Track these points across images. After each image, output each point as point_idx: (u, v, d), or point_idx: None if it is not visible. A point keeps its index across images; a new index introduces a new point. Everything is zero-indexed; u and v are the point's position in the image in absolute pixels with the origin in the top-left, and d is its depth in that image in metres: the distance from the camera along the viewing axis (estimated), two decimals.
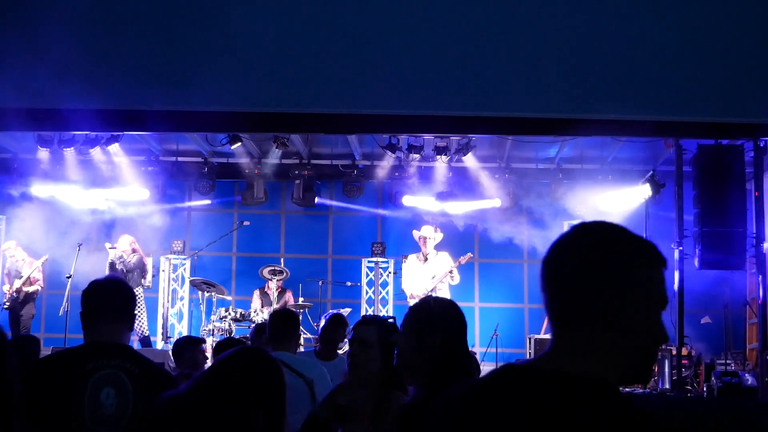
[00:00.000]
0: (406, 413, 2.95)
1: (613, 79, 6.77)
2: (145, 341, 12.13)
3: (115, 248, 12.37)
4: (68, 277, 11.75)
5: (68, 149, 12.72)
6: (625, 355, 1.64)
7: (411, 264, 12.21)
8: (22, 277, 12.69)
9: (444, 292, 11.62)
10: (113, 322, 3.38)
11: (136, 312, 3.57)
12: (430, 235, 12.09)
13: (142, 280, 12.67)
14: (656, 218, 12.48)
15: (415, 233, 12.31)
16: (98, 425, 3.17)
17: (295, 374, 4.67)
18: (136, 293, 12.39)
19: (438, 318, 3.02)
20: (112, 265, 12.21)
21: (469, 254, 12.04)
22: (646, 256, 1.69)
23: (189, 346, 6.54)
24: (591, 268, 1.64)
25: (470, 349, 7.42)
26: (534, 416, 1.55)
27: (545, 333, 12.97)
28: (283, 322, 5.29)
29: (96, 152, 12.87)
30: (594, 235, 1.70)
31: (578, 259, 1.66)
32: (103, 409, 3.18)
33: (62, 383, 3.19)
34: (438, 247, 12.23)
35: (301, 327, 12.23)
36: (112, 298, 3.44)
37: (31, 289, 12.69)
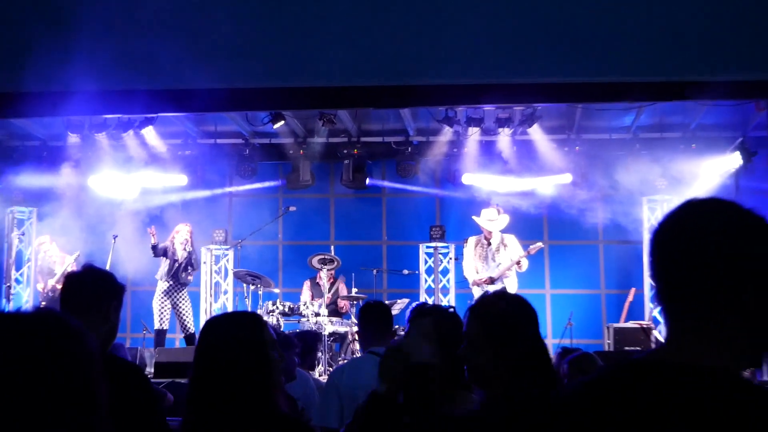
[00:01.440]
0: (474, 423, 2.90)
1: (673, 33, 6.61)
2: (190, 339, 12.29)
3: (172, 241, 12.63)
4: None
5: (100, 134, 12.91)
6: (755, 344, 1.64)
7: (472, 249, 11.99)
8: (55, 274, 12.93)
9: (512, 280, 11.52)
10: (80, 315, 3.41)
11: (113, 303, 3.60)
12: (493, 218, 11.86)
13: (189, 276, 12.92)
14: (748, 191, 12.23)
15: (476, 219, 12.06)
16: None
17: None
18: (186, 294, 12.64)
19: (512, 320, 2.93)
20: (174, 263, 12.48)
21: (539, 243, 11.78)
22: None
23: None
24: (726, 250, 1.63)
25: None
26: (676, 417, 1.54)
27: (625, 321, 12.83)
28: (378, 317, 5.23)
29: (129, 137, 13.04)
30: (724, 214, 1.69)
31: (710, 242, 1.64)
32: None
33: None
34: (504, 230, 12.01)
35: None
36: (82, 288, 3.55)
37: None
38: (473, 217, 12.12)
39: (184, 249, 12.54)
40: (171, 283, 12.48)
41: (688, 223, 1.69)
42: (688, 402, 1.54)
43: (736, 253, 1.62)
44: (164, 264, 12.53)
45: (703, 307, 1.63)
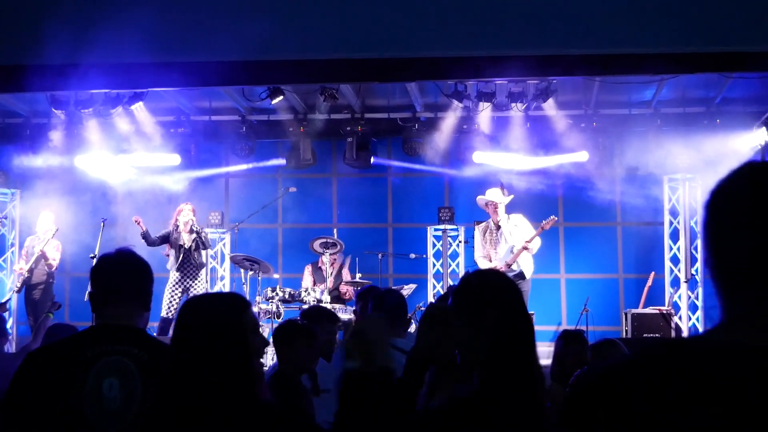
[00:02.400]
0: (458, 408, 2.96)
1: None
2: (165, 324, 12.24)
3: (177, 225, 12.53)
4: (92, 257, 11.79)
5: (86, 110, 12.87)
6: None
7: (480, 236, 11.94)
8: (34, 254, 12.78)
9: (527, 263, 11.51)
10: (123, 302, 3.39)
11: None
12: (498, 199, 11.74)
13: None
14: None
15: (480, 199, 11.95)
16: (100, 421, 3.15)
17: None
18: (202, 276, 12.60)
19: (483, 292, 3.03)
20: (180, 249, 12.40)
21: (553, 217, 11.73)
22: None
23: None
24: None
25: (557, 327, 7.35)
26: (730, 399, 1.46)
27: (644, 307, 12.85)
28: (394, 304, 5.24)
29: (118, 113, 13.01)
30: None
31: None
32: (105, 403, 3.16)
33: (59, 373, 3.18)
34: (513, 209, 11.94)
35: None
36: (123, 274, 3.45)
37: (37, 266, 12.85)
38: (478, 198, 12.01)
39: (190, 231, 12.43)
40: (181, 273, 12.39)
41: (752, 187, 1.57)
42: (744, 384, 1.46)
43: None
44: (171, 253, 12.47)
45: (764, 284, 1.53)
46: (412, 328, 8.97)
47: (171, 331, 11.63)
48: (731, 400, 1.46)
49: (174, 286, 12.38)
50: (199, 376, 2.74)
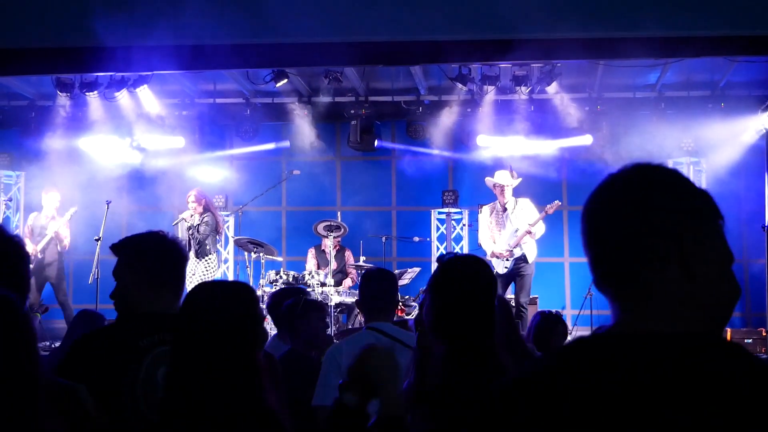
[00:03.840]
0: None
1: None
2: None
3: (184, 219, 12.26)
4: (97, 240, 11.79)
5: (91, 93, 12.91)
6: (702, 309, 1.69)
7: (487, 217, 11.96)
8: (45, 235, 12.65)
9: (530, 246, 11.54)
10: (175, 290, 3.42)
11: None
12: (506, 181, 11.76)
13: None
14: None
15: (488, 180, 11.97)
16: (155, 410, 3.09)
17: (406, 347, 4.48)
18: (210, 262, 12.26)
19: (449, 274, 3.24)
20: (189, 241, 12.02)
21: (557, 202, 11.70)
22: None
23: None
24: (655, 203, 1.73)
25: (560, 311, 7.38)
26: (646, 388, 1.58)
27: None
28: (380, 287, 5.16)
29: (123, 96, 13.04)
30: (641, 174, 1.82)
31: (637, 199, 1.74)
32: (160, 392, 3.12)
33: (112, 363, 3.19)
34: (517, 193, 11.97)
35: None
36: (176, 261, 3.46)
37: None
38: (486, 179, 12.01)
39: (201, 221, 12.15)
40: (195, 263, 12.08)
41: (614, 187, 1.81)
42: (659, 372, 1.59)
43: (663, 206, 1.71)
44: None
45: (645, 270, 1.69)
46: (415, 313, 9.01)
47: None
48: (617, 386, 1.60)
49: (189, 278, 12.06)
50: (203, 368, 2.70)
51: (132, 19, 6.85)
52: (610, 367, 1.63)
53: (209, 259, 12.18)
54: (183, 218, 12.27)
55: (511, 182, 11.80)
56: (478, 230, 12.30)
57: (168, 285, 3.41)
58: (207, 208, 12.30)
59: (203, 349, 2.71)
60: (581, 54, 8.63)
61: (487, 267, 3.32)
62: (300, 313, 5.63)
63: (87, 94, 12.90)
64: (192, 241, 12.08)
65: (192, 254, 11.97)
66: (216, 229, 12.34)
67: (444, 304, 3.17)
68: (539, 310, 8.83)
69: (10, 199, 14.59)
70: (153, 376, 3.19)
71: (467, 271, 3.23)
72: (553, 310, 6.97)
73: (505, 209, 11.78)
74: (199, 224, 12.14)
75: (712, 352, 1.62)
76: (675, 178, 1.79)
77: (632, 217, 1.72)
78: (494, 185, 11.87)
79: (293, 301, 5.87)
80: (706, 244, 1.70)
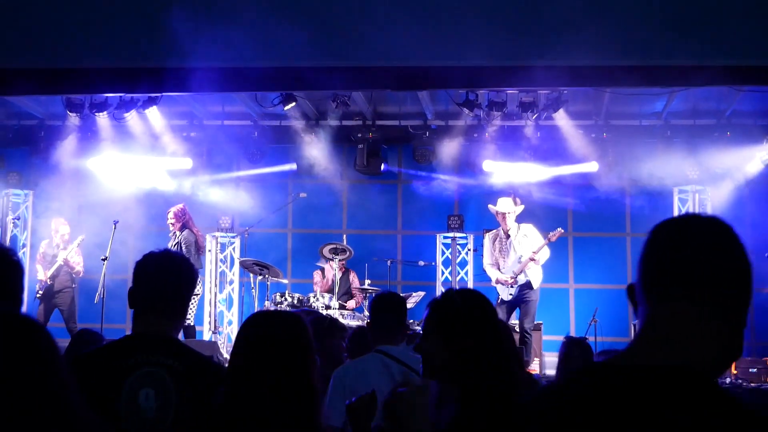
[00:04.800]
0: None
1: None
2: (189, 331, 11.97)
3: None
4: (104, 260, 11.77)
5: (100, 114, 13.00)
6: (728, 345, 1.83)
7: (490, 245, 11.96)
8: (56, 262, 12.69)
9: (535, 272, 11.55)
10: (167, 311, 3.41)
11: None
12: (508, 209, 11.74)
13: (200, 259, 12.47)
14: None
15: (491, 208, 11.97)
16: (135, 430, 3.20)
17: (413, 372, 4.53)
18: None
19: (466, 317, 3.19)
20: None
21: (560, 230, 11.73)
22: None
23: None
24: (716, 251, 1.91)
25: (565, 338, 7.37)
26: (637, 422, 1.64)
27: None
28: (389, 310, 5.25)
29: (132, 117, 13.11)
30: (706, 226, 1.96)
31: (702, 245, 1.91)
32: (141, 413, 3.21)
33: (98, 381, 3.22)
34: (521, 219, 11.94)
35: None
36: (171, 279, 3.44)
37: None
38: (489, 206, 12.04)
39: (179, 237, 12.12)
40: None
41: (684, 230, 1.94)
42: (651, 407, 1.65)
43: (722, 253, 1.92)
44: None
45: (688, 304, 1.81)
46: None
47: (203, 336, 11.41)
48: (622, 414, 1.66)
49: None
50: (261, 393, 2.84)
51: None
52: (601, 398, 1.70)
53: None
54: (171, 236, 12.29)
55: (514, 209, 11.80)
56: (482, 255, 12.31)
57: (159, 304, 3.41)
58: (185, 225, 12.21)
59: (260, 375, 2.86)
60: (598, 82, 8.70)
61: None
62: (327, 331, 5.67)
63: (97, 114, 12.98)
64: None
65: None
66: (196, 246, 12.18)
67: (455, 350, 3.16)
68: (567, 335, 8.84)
69: (18, 218, 14.61)
70: (135, 397, 3.23)
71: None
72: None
73: (508, 236, 11.78)
74: (178, 242, 12.09)
75: (702, 392, 1.69)
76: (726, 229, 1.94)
77: (698, 257, 1.88)
78: (496, 213, 11.87)
79: (316, 317, 5.91)
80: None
